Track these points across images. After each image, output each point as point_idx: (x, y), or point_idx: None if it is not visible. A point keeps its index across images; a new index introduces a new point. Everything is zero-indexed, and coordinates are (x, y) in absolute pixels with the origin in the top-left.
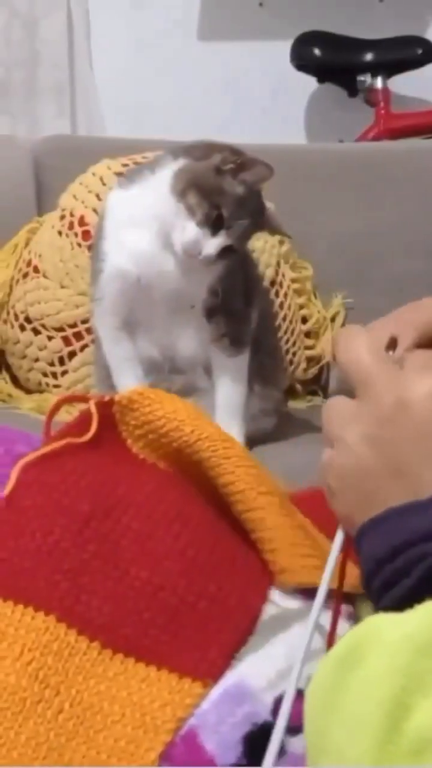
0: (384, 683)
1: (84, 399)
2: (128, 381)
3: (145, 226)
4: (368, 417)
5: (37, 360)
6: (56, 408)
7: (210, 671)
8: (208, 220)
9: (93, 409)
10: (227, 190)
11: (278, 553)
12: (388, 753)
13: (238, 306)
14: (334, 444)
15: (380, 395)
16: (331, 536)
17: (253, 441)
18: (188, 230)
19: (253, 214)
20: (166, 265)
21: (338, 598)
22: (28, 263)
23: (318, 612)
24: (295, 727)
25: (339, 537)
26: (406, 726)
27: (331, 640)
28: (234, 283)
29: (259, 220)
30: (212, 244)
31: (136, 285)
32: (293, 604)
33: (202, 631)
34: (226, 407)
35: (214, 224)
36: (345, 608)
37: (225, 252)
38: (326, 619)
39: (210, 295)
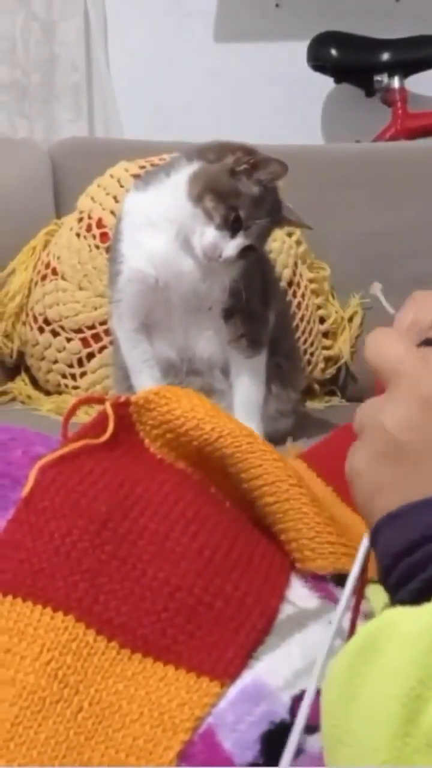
0: (401, 676)
1: (100, 400)
2: (146, 382)
3: (162, 228)
4: (405, 401)
5: (55, 362)
6: (73, 410)
7: (227, 670)
8: (226, 222)
9: (109, 410)
10: (243, 191)
11: (302, 543)
12: (405, 745)
13: (255, 307)
14: (365, 430)
15: (416, 381)
16: (337, 487)
17: (270, 441)
18: (207, 235)
19: (271, 212)
20: (183, 267)
21: (359, 594)
22: (47, 265)
23: (344, 609)
24: (312, 726)
25: (364, 543)
26: (422, 718)
27: (352, 634)
28: (251, 284)
29: (277, 217)
30: (232, 246)
31: (154, 287)
32: (310, 603)
33: (219, 631)
34: (244, 408)
35: (232, 226)
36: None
37: (245, 251)
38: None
39: (228, 296)
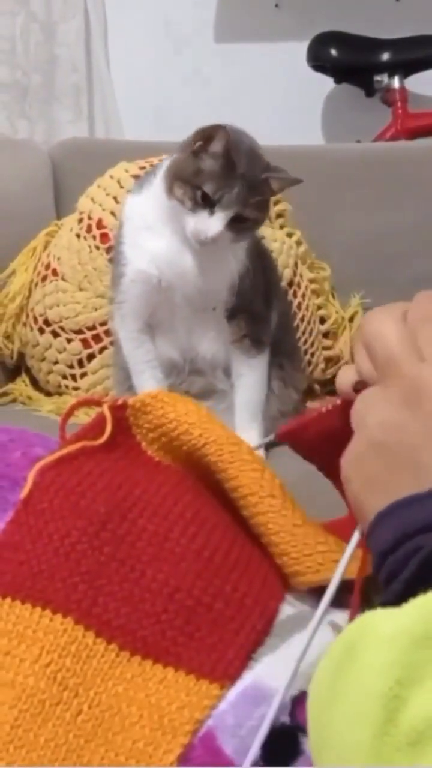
0: (379, 676)
1: (98, 402)
2: (148, 383)
3: (159, 229)
4: (387, 402)
5: (56, 362)
6: (70, 412)
7: (227, 672)
8: (196, 203)
9: (107, 413)
10: (204, 168)
11: (286, 557)
12: (385, 744)
13: (258, 307)
14: (356, 428)
15: (402, 381)
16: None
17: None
18: (188, 221)
19: (244, 178)
20: (186, 267)
21: (357, 591)
22: (47, 266)
23: (324, 609)
24: None
25: (355, 537)
26: (401, 717)
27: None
28: (254, 284)
29: (253, 181)
30: (213, 223)
31: (158, 287)
32: (310, 604)
33: (219, 633)
34: (245, 408)
35: (204, 205)
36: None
37: (238, 224)
38: (343, 617)
39: (231, 295)
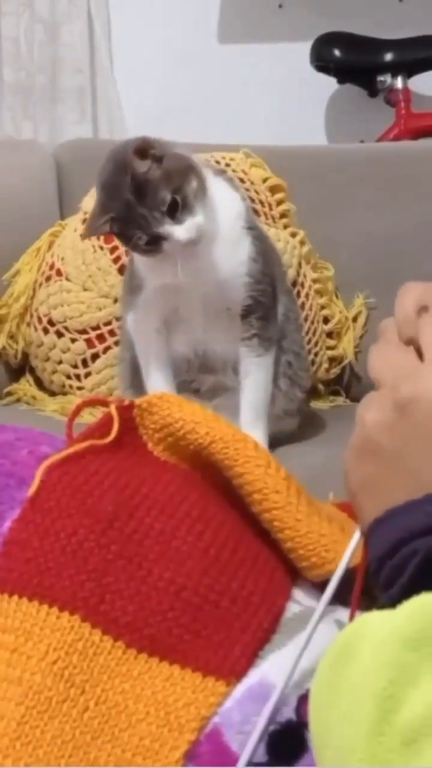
0: (374, 677)
1: (104, 402)
2: (159, 382)
3: None
4: (381, 403)
5: (60, 362)
6: (77, 411)
7: (233, 670)
8: (147, 242)
9: (114, 413)
10: (112, 227)
11: (294, 554)
12: (380, 744)
13: (268, 303)
14: (356, 425)
15: (397, 385)
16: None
17: (275, 441)
18: (163, 245)
19: (132, 190)
20: (204, 268)
21: (357, 589)
22: (51, 266)
23: (324, 605)
24: None
25: (355, 537)
26: (396, 718)
27: None
28: (268, 283)
29: (141, 182)
30: (177, 232)
31: (177, 290)
32: (316, 602)
33: (225, 630)
34: (251, 406)
35: (152, 240)
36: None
37: (176, 210)
38: (345, 615)
39: (246, 294)
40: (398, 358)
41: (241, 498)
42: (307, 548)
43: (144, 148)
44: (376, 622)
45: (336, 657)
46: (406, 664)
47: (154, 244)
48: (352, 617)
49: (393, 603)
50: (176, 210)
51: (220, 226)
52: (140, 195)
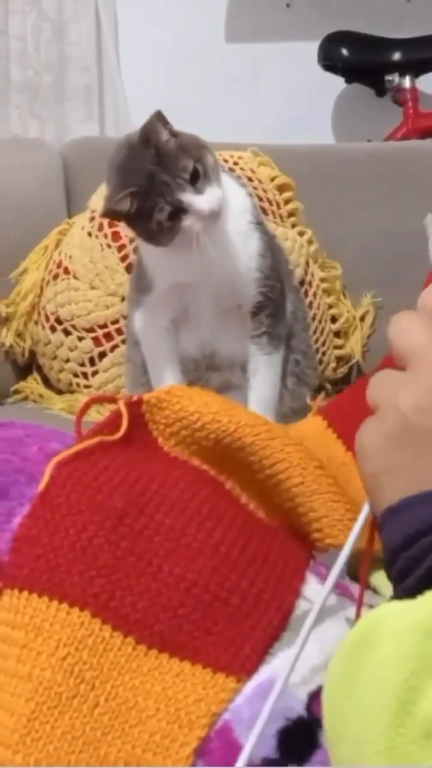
0: (394, 668)
1: (113, 399)
2: (168, 381)
3: None
4: (423, 384)
5: (67, 360)
6: (86, 407)
7: (244, 666)
8: (170, 213)
9: (123, 409)
10: (134, 206)
11: (333, 519)
12: (400, 736)
13: (278, 301)
14: (381, 406)
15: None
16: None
17: None
18: (184, 221)
19: (154, 161)
20: (214, 267)
21: (363, 576)
22: (59, 264)
23: (331, 586)
24: None
25: (364, 511)
26: (416, 709)
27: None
28: (276, 279)
29: (166, 152)
30: (199, 203)
31: (187, 289)
32: (327, 600)
33: (235, 627)
34: (259, 404)
35: (163, 193)
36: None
37: (196, 176)
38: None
39: (256, 292)
40: None
41: (263, 484)
42: (346, 517)
43: (164, 119)
44: (396, 612)
45: (353, 648)
46: (428, 656)
47: (175, 219)
48: (357, 615)
49: (407, 595)
50: (197, 179)
51: (229, 222)
52: (164, 163)
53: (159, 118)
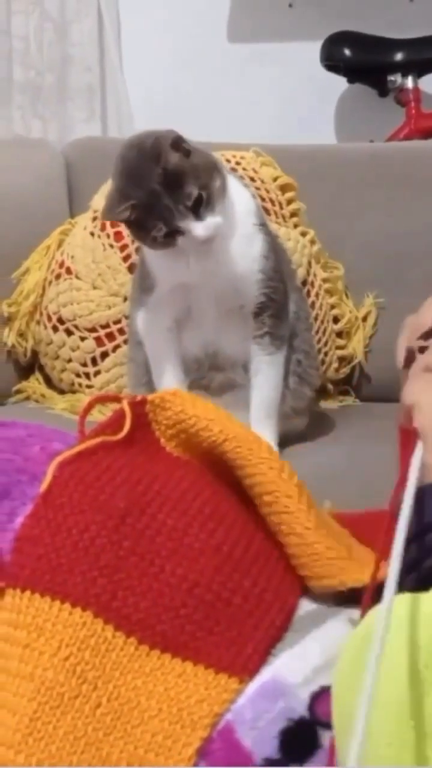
0: (405, 660)
1: (116, 399)
2: (170, 381)
3: None
4: None
5: (69, 360)
6: (89, 407)
7: (246, 667)
8: (165, 235)
9: (126, 409)
10: (133, 216)
11: (296, 560)
12: (411, 729)
13: (281, 301)
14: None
15: None
16: (379, 552)
17: (285, 441)
18: (178, 240)
19: (160, 181)
20: (218, 269)
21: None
22: (61, 264)
23: (393, 590)
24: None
25: (418, 454)
26: (427, 701)
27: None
28: (279, 280)
29: (171, 173)
30: (197, 229)
31: (189, 289)
32: (328, 600)
33: (238, 627)
34: (261, 404)
35: (171, 232)
36: None
37: (199, 203)
38: (357, 614)
39: (259, 292)
40: None
41: (251, 498)
42: (311, 557)
43: (178, 142)
44: (408, 605)
45: (363, 640)
46: None
47: (170, 237)
48: (364, 612)
49: (418, 586)
50: (200, 206)
51: (233, 223)
52: (169, 187)
53: (173, 143)
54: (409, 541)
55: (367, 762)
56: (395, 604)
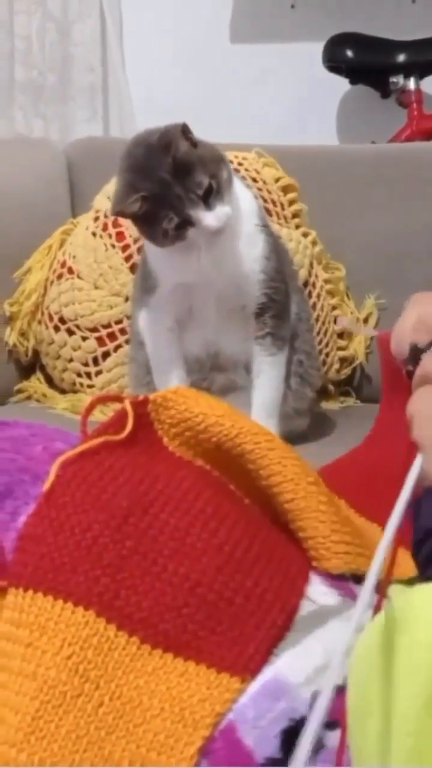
0: (428, 651)
1: (118, 398)
2: (172, 381)
3: None
4: None
5: (71, 360)
6: (91, 407)
7: (248, 666)
8: (177, 227)
9: (128, 408)
10: (142, 210)
11: (318, 541)
12: (431, 717)
13: (282, 302)
14: None
15: None
16: (352, 503)
17: (286, 441)
18: (189, 232)
19: (169, 171)
20: (220, 268)
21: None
22: (63, 264)
23: (370, 596)
24: (332, 722)
25: (417, 464)
26: None
27: None
28: (281, 281)
29: (182, 162)
30: (207, 219)
31: (192, 289)
32: (330, 600)
33: (239, 627)
34: (263, 405)
35: (183, 222)
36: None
37: (209, 193)
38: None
39: (260, 293)
40: None
41: (263, 491)
42: (330, 539)
43: (187, 131)
44: (429, 596)
45: (383, 629)
46: None
47: (181, 229)
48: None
49: None
50: (210, 195)
51: (235, 224)
52: (179, 175)
53: (183, 130)
54: (430, 533)
55: (388, 752)
56: (418, 594)
